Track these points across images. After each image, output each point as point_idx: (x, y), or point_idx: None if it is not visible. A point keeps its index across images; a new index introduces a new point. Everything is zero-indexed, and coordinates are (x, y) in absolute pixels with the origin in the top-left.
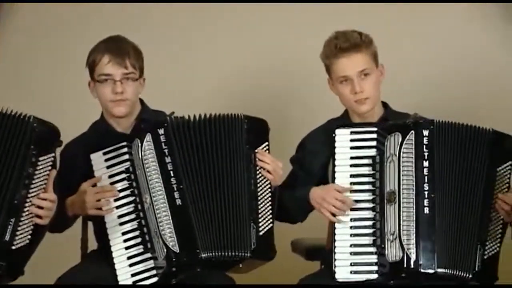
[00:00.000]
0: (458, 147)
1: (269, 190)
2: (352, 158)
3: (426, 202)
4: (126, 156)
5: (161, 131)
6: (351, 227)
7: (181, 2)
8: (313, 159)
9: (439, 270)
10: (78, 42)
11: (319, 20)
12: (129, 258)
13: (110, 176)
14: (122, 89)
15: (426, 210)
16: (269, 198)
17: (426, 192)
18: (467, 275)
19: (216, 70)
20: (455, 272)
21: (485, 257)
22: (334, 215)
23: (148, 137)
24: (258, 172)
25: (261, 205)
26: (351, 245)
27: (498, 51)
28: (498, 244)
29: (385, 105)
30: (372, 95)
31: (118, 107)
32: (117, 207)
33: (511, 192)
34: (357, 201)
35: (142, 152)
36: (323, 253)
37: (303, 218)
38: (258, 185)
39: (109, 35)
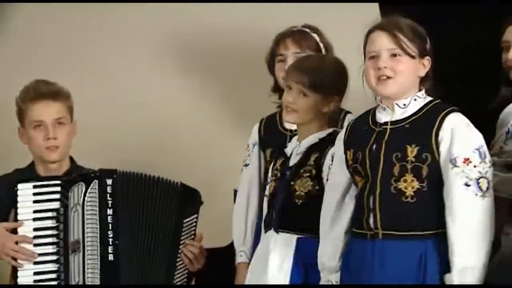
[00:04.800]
0: (146, 197)
1: None
2: (35, 211)
3: (110, 249)
4: None
5: None
6: (34, 281)
7: None
8: None
9: None
10: None
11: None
12: None
13: None
14: None
15: (111, 257)
16: None
17: (110, 240)
18: None
19: None
20: None
21: None
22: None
23: None
24: None
25: None
26: None
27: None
28: None
29: (71, 159)
30: (63, 145)
31: None
32: None
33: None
34: (41, 255)
35: None
36: None
37: None
38: None
39: None
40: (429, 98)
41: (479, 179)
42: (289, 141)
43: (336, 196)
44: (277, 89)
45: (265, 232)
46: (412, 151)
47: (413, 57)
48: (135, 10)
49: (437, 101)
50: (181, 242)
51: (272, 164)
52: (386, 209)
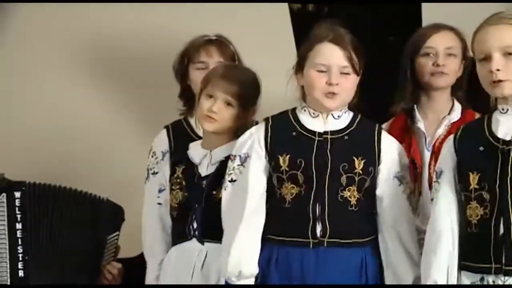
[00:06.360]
0: (63, 211)
1: None
2: None
3: (20, 265)
4: None
5: None
6: None
7: None
8: None
9: None
10: None
11: None
12: None
13: None
14: None
15: (21, 273)
16: None
17: (20, 255)
18: None
19: None
20: None
21: None
22: None
23: None
24: None
25: None
26: None
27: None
28: None
29: None
30: None
31: None
32: None
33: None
34: None
35: None
36: None
37: None
38: None
39: None
40: (351, 112)
41: (409, 194)
42: None
43: (253, 200)
44: (185, 96)
45: (181, 242)
46: (359, 164)
47: (358, 74)
48: (42, 12)
49: (360, 115)
50: (103, 260)
51: (171, 171)
52: (335, 217)
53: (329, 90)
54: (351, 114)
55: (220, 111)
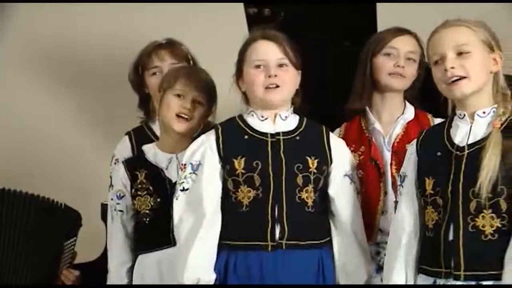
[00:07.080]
0: (18, 217)
1: None
2: None
3: None
4: None
5: None
6: None
7: None
8: None
9: None
10: None
11: None
12: None
13: None
14: None
15: None
16: None
17: None
18: None
19: None
20: None
21: None
22: None
23: None
24: None
25: None
26: None
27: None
28: None
29: None
30: None
31: None
32: None
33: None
34: None
35: None
36: None
37: None
38: None
39: None
40: (296, 115)
41: (358, 193)
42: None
43: (210, 207)
44: (144, 104)
45: (162, 249)
46: (313, 163)
47: (296, 68)
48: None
49: (305, 118)
50: (60, 266)
51: (131, 177)
52: (293, 219)
53: (269, 82)
54: (297, 116)
55: (191, 109)
